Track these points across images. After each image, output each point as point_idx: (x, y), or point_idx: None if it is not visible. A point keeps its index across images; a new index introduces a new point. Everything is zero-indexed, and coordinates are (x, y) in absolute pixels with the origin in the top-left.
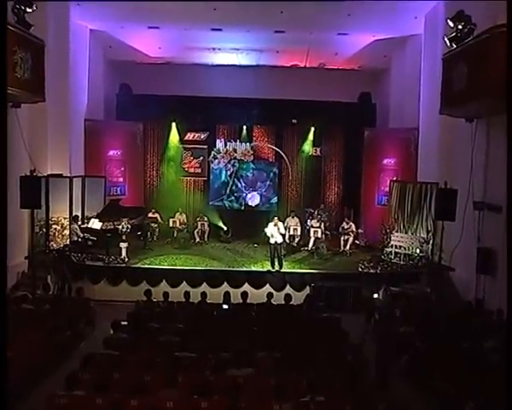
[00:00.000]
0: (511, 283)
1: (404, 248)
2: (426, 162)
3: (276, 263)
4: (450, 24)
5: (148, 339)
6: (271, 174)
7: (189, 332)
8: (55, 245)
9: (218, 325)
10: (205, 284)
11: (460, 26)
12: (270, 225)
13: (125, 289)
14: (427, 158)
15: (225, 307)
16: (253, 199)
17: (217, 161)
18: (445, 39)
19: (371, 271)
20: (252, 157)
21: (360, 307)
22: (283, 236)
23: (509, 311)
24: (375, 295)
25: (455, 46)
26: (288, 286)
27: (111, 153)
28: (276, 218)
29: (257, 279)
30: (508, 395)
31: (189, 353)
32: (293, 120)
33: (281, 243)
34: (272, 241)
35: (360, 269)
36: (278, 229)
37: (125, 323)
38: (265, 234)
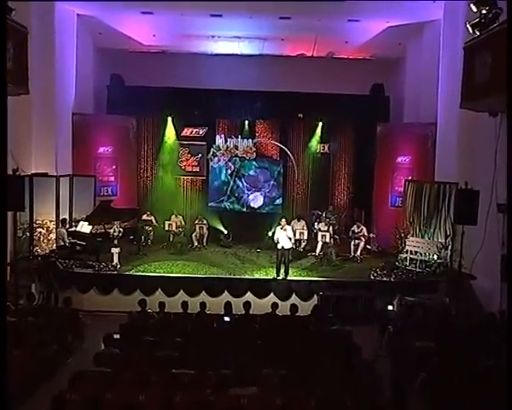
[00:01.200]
0: (511, 281)
1: (421, 254)
2: (444, 160)
3: (282, 270)
4: (473, 8)
5: (143, 354)
6: (275, 173)
7: (188, 347)
8: (39, 251)
9: (218, 338)
10: (204, 292)
11: (484, 11)
12: (277, 228)
13: (116, 299)
14: (446, 156)
15: (227, 319)
16: (256, 200)
17: (216, 158)
18: (467, 26)
19: (384, 279)
20: (254, 155)
21: (373, 319)
22: (291, 240)
23: (509, 311)
24: (390, 307)
25: (478, 33)
26: (293, 295)
27: (101, 150)
28: (283, 220)
29: (260, 288)
30: (508, 394)
31: (188, 369)
32: (300, 115)
33: (289, 249)
34: (280, 246)
35: (372, 277)
36: (286, 233)
37: (118, 336)
38: (269, 237)
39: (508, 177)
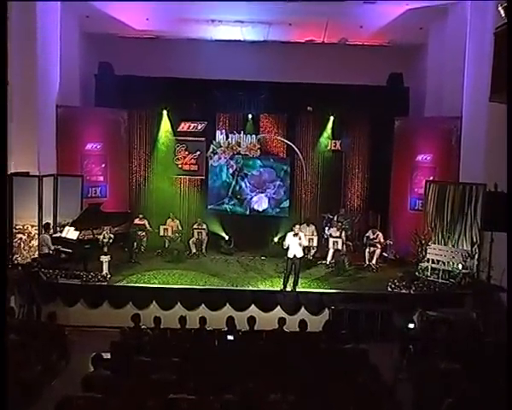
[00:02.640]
0: (511, 283)
1: (444, 264)
2: (470, 159)
3: (290, 281)
4: None
5: (137, 377)
6: (282, 173)
7: (187, 368)
8: (20, 259)
9: (220, 358)
10: (203, 306)
11: None
12: (289, 235)
13: (107, 314)
14: (472, 154)
15: (230, 338)
16: (260, 202)
17: (217, 156)
18: (499, 8)
19: (403, 291)
20: (258, 152)
21: (391, 337)
22: (304, 249)
23: (508, 311)
24: (411, 325)
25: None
26: (302, 309)
27: (89, 146)
28: (297, 227)
29: (266, 300)
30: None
31: (187, 394)
32: (309, 108)
33: (300, 258)
34: (290, 254)
35: (390, 288)
36: (299, 240)
37: (108, 356)
38: (274, 243)
39: (508, 178)
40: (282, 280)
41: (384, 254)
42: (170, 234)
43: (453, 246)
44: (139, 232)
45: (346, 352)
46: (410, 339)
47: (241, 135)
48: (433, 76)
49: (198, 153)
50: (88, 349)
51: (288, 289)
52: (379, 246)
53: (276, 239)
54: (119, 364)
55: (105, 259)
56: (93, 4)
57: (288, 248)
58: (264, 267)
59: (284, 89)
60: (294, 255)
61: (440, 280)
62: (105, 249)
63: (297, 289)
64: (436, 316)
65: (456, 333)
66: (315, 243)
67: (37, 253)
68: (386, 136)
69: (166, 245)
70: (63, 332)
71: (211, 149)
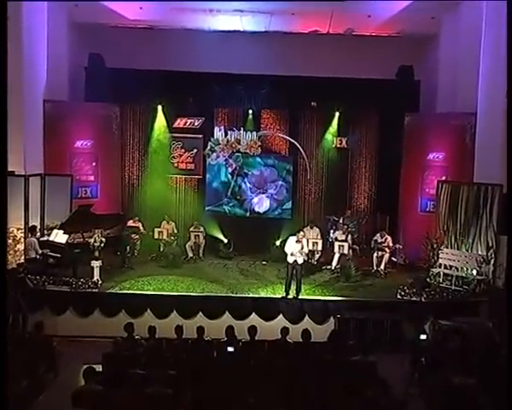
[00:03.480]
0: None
1: (457, 269)
2: (485, 158)
3: (293, 287)
4: None
5: (131, 391)
6: (284, 172)
7: (183, 382)
8: None
9: (219, 371)
10: (201, 314)
11: None
12: (292, 239)
13: (98, 323)
14: (488, 152)
15: (230, 349)
16: (261, 203)
17: (215, 154)
18: None
19: (414, 298)
20: (259, 150)
21: (401, 348)
22: (307, 255)
23: (508, 312)
24: (422, 336)
25: None
26: (306, 318)
27: (78, 144)
28: (301, 233)
29: (267, 308)
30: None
31: None
32: (313, 103)
33: (301, 264)
34: (291, 259)
35: (399, 296)
36: (302, 248)
37: (100, 369)
38: (276, 247)
39: (508, 178)
40: (283, 287)
41: (393, 258)
42: (165, 237)
43: (467, 250)
44: (132, 235)
45: (352, 364)
46: (422, 351)
47: (241, 132)
48: (446, 69)
49: (195, 151)
50: (78, 361)
51: (291, 296)
52: (387, 250)
53: (277, 243)
54: (111, 377)
55: (96, 264)
56: None
57: (289, 252)
58: (266, 273)
59: (287, 83)
60: (295, 261)
61: (453, 287)
62: (96, 254)
63: (300, 297)
64: (449, 326)
65: (470, 344)
66: (319, 247)
67: (23, 258)
68: (395, 133)
69: (161, 249)
70: (51, 343)
71: (208, 147)
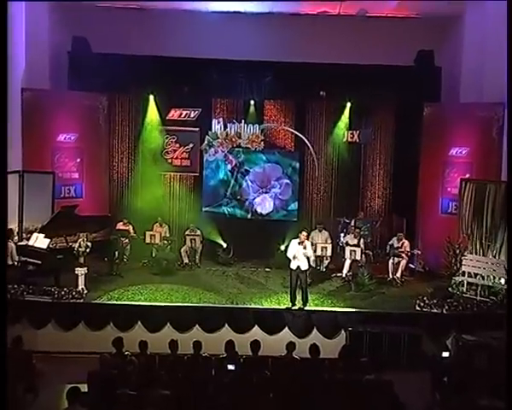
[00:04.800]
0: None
1: (482, 278)
2: None
3: (299, 297)
4: None
5: None
6: (290, 169)
7: (178, 403)
8: None
9: (218, 391)
10: (198, 327)
11: None
12: (294, 242)
13: (83, 337)
14: None
15: (231, 367)
16: (264, 204)
17: (213, 149)
18: None
19: (434, 310)
20: (262, 145)
21: (420, 365)
22: (310, 259)
23: (508, 312)
24: (445, 353)
25: None
26: (314, 331)
27: (61, 138)
28: (303, 233)
29: (271, 321)
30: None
31: None
32: (322, 92)
33: (306, 270)
34: (294, 265)
35: (418, 307)
36: (305, 249)
37: (85, 389)
38: (281, 252)
39: (508, 178)
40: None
41: (411, 265)
42: (158, 241)
43: (494, 257)
44: (121, 240)
45: (366, 384)
46: (444, 369)
47: (242, 124)
48: (471, 54)
49: (191, 145)
50: (61, 381)
51: (297, 307)
52: (405, 256)
53: (282, 247)
54: (98, 398)
55: (81, 271)
56: None
57: (292, 257)
58: (269, 281)
59: (293, 70)
60: (299, 267)
61: (479, 297)
62: (81, 260)
63: (308, 308)
64: (474, 341)
65: (498, 362)
66: (328, 253)
67: None
68: (413, 125)
69: (154, 255)
70: (30, 360)
71: (206, 142)
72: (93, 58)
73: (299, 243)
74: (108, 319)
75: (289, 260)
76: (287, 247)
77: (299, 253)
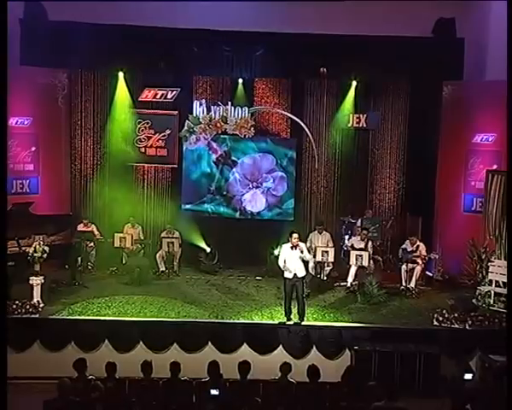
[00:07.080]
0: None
1: None
2: None
3: (295, 310)
4: None
5: None
6: (285, 160)
7: None
8: None
9: None
10: (176, 346)
11: None
12: (285, 248)
13: (38, 359)
14: None
15: (214, 392)
16: (255, 201)
17: (194, 137)
18: None
19: (455, 325)
20: (252, 131)
21: (439, 391)
22: (308, 264)
23: (508, 312)
24: (468, 375)
25: None
26: (313, 350)
27: (13, 122)
28: (294, 235)
29: (263, 338)
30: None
31: None
32: (322, 69)
33: (303, 278)
34: (288, 274)
35: (436, 322)
36: (301, 253)
37: None
38: (274, 257)
39: (508, 179)
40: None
41: (427, 273)
42: (129, 245)
43: None
44: (86, 243)
45: None
46: (467, 395)
47: (229, 107)
48: (499, 24)
49: (168, 132)
50: None
51: (293, 321)
52: (420, 262)
53: (276, 252)
54: None
55: (36, 281)
56: None
57: (284, 265)
58: (261, 292)
59: (288, 42)
60: (295, 275)
61: (508, 311)
62: (36, 267)
63: (305, 322)
64: (502, 362)
65: None
66: (331, 258)
67: None
68: (430, 108)
69: (124, 261)
70: None
71: (186, 127)
72: (50, 27)
73: (291, 248)
74: (69, 337)
75: (282, 269)
76: (279, 253)
77: (292, 258)
